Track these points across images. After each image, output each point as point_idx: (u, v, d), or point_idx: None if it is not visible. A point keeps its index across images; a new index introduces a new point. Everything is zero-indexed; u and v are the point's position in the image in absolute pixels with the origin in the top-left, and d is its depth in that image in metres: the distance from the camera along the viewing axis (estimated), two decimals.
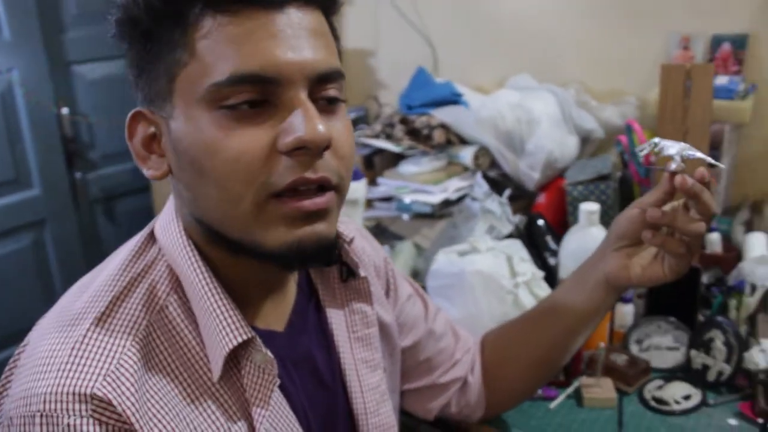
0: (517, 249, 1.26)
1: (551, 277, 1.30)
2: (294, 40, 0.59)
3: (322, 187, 0.61)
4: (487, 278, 1.18)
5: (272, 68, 0.58)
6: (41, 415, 0.57)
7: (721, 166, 0.77)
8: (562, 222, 1.52)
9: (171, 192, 0.71)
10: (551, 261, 1.36)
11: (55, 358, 0.60)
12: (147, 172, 0.66)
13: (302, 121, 0.58)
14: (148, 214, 2.24)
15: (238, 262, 0.66)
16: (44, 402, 0.57)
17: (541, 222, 1.43)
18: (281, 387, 0.70)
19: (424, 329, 0.96)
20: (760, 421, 1.04)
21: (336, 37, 0.66)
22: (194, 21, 0.58)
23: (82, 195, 2.15)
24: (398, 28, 1.98)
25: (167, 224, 0.69)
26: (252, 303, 0.70)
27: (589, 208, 1.23)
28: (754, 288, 1.22)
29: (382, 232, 1.55)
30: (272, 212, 0.60)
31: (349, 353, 0.80)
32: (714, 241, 1.40)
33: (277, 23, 0.59)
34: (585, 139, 1.58)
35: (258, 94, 0.59)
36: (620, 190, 1.44)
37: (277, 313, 0.74)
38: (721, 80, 1.40)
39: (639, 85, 1.56)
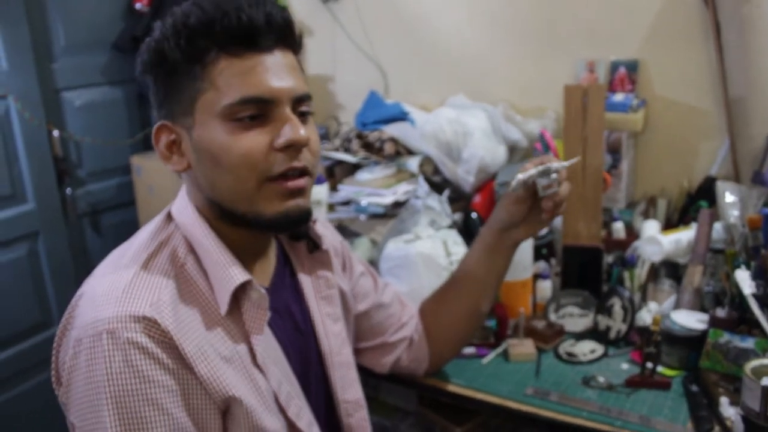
0: (452, 236, 1.53)
1: None
2: (281, 73, 0.85)
3: (303, 172, 0.87)
4: (427, 258, 1.45)
5: (268, 93, 0.84)
6: (107, 332, 0.78)
7: (573, 161, 1.12)
8: None
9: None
10: None
11: (113, 293, 0.82)
12: (172, 167, 0.91)
13: (290, 128, 0.84)
14: (133, 226, 2.35)
15: (238, 232, 0.91)
16: (109, 323, 0.79)
17: (474, 215, 1.70)
18: (271, 327, 0.93)
19: (374, 299, 1.21)
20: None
21: (302, 69, 0.93)
22: (210, 61, 0.83)
23: (72, 209, 2.28)
24: (353, 57, 2.22)
25: (183, 207, 0.93)
26: (246, 264, 0.91)
27: None
28: (644, 262, 1.51)
29: (343, 230, 1.77)
30: (269, 190, 0.85)
31: (317, 308, 1.04)
32: (618, 229, 1.68)
33: (269, 61, 0.84)
34: (512, 148, 1.85)
35: (258, 110, 0.84)
36: None
37: (264, 274, 0.98)
38: (618, 97, 1.69)
39: (555, 102, 1.82)
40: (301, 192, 0.87)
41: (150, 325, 0.80)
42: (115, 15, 2.38)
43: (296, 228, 0.99)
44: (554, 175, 1.07)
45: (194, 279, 0.88)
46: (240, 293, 0.89)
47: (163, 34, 0.85)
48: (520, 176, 1.09)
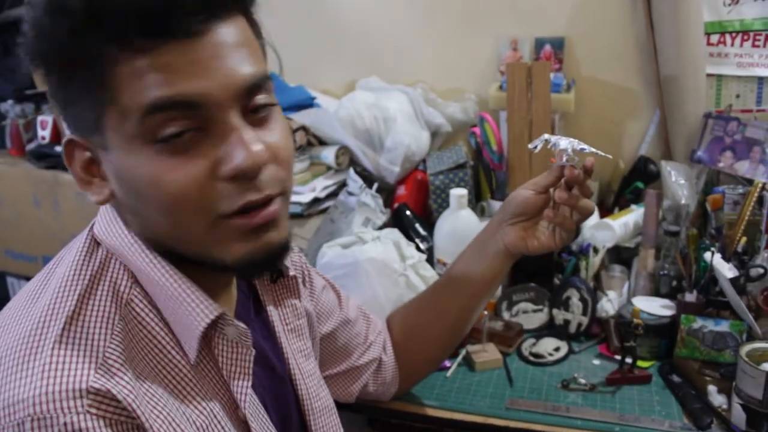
0: (398, 236, 1.36)
1: (428, 259, 1.41)
2: (214, 62, 0.58)
3: (270, 199, 0.63)
4: (379, 264, 1.26)
5: (195, 92, 0.57)
6: (32, 419, 0.54)
7: (609, 156, 0.92)
8: (423, 210, 1.64)
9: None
10: (422, 245, 1.47)
11: (35, 361, 0.57)
12: (91, 198, 0.65)
13: (238, 148, 0.59)
14: None
15: (184, 264, 0.67)
16: (34, 405, 0.54)
17: (408, 212, 1.54)
18: None
19: (339, 316, 1.01)
20: (618, 357, 1.24)
21: (258, 34, 0.67)
22: (111, 64, 0.57)
23: None
24: None
25: (108, 227, 0.68)
26: None
27: (459, 192, 1.36)
28: (596, 250, 1.44)
29: None
30: (225, 230, 0.62)
31: (287, 344, 0.83)
32: None
33: (195, 49, 0.57)
34: (434, 134, 1.71)
35: (189, 122, 0.58)
36: (475, 175, 1.60)
37: (226, 308, 0.75)
38: None
39: (476, 83, 1.71)
40: (271, 224, 0.64)
41: (97, 399, 0.56)
42: None
43: (270, 270, 0.79)
44: (586, 149, 0.91)
45: (145, 321, 0.65)
46: (210, 332, 0.66)
47: (37, 16, 0.58)
48: (547, 135, 0.93)
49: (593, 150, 0.90)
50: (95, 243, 0.68)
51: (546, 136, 0.94)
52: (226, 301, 0.76)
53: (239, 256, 0.63)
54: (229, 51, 0.60)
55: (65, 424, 0.54)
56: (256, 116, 0.63)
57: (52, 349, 0.58)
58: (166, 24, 0.56)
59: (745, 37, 1.50)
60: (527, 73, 1.39)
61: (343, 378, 1.04)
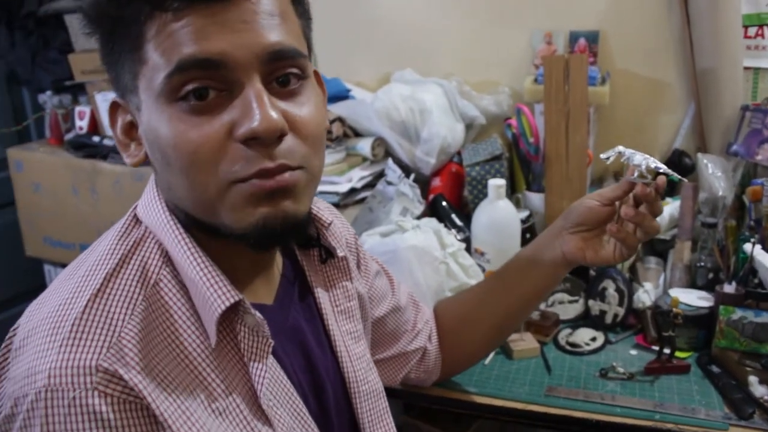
0: (438, 225, 1.37)
1: (465, 249, 1.43)
2: (241, 24, 0.60)
3: (285, 169, 0.62)
4: (420, 252, 1.28)
5: (217, 52, 0.59)
6: (47, 390, 0.57)
7: (684, 180, 0.91)
8: (458, 201, 1.66)
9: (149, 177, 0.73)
10: (458, 236, 1.48)
11: (56, 335, 0.60)
12: (126, 159, 0.68)
13: (254, 111, 0.59)
14: (12, 230, 2.05)
15: (220, 241, 0.67)
16: (49, 377, 0.57)
17: (444, 203, 1.56)
18: (275, 355, 0.72)
19: (391, 302, 1.02)
20: (655, 348, 1.25)
21: (301, 15, 0.68)
22: (145, 23, 0.60)
23: None
24: None
25: (149, 204, 0.70)
26: (240, 279, 0.71)
27: (497, 183, 1.37)
28: None
29: None
30: (236, 194, 0.62)
31: (336, 326, 0.83)
32: None
33: (225, 12, 0.59)
34: (468, 126, 1.72)
35: (212, 82, 0.60)
36: (509, 167, 1.61)
37: (266, 289, 0.76)
38: None
39: (510, 77, 1.72)
40: (286, 192, 0.63)
41: (105, 378, 0.58)
42: None
43: (283, 243, 0.75)
44: (661, 168, 0.87)
45: (171, 302, 0.66)
46: (232, 316, 0.67)
47: None
48: (621, 148, 0.92)
49: (668, 170, 0.87)
50: (135, 221, 0.71)
51: (620, 148, 0.91)
52: (268, 278, 0.76)
53: (253, 222, 0.62)
54: (259, 17, 0.61)
55: (73, 398, 0.56)
56: (284, 88, 0.63)
57: (72, 325, 0.60)
58: None
59: None
60: (565, 66, 1.40)
61: (390, 363, 1.05)
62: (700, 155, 1.47)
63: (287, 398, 0.72)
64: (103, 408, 0.57)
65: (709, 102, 1.54)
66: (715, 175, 1.42)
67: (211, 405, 0.64)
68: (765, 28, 1.51)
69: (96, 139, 1.87)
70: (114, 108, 0.68)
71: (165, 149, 0.62)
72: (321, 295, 0.84)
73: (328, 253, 0.84)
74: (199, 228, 0.68)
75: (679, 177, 0.88)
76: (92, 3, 0.63)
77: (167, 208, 0.68)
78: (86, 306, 0.61)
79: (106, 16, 0.62)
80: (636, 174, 0.88)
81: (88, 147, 1.87)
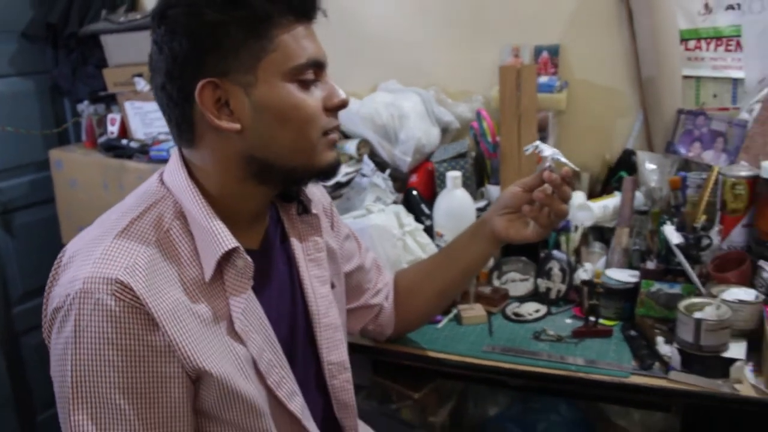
0: (399, 209, 1.59)
1: (428, 232, 1.64)
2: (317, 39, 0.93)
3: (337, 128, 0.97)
4: (381, 230, 1.50)
5: (323, 57, 0.93)
6: (81, 291, 0.80)
7: (577, 169, 1.14)
8: (431, 194, 1.87)
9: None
10: (426, 222, 1.69)
11: (91, 256, 0.84)
12: (225, 125, 0.88)
13: (339, 91, 0.94)
14: (50, 224, 2.30)
15: (253, 191, 0.94)
16: (83, 282, 0.81)
17: (414, 193, 1.77)
18: (256, 291, 0.94)
19: (357, 261, 1.25)
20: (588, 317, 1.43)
21: None
22: (276, 24, 0.87)
23: None
24: None
25: (174, 172, 0.94)
26: (238, 227, 0.93)
27: (454, 174, 1.58)
28: (576, 227, 1.63)
29: None
30: (324, 142, 0.94)
31: (306, 270, 1.06)
32: None
33: (311, 29, 0.92)
34: (444, 130, 1.93)
35: (316, 71, 0.92)
36: (475, 163, 1.82)
37: (255, 236, 1.00)
38: (543, 79, 1.81)
39: (483, 86, 1.93)
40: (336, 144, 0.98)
41: (121, 288, 0.81)
42: (23, 3, 2.25)
43: (336, 175, 1.04)
44: (563, 159, 1.10)
45: (178, 245, 0.89)
46: (225, 259, 0.90)
47: None
48: (538, 142, 1.14)
49: (568, 162, 1.11)
50: (160, 183, 0.94)
51: (537, 142, 1.15)
52: (258, 227, 1.00)
53: (329, 161, 0.95)
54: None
55: (98, 299, 0.80)
56: None
57: (102, 251, 0.84)
58: (306, 6, 0.90)
59: (719, 43, 1.68)
60: (517, 75, 1.60)
61: (353, 314, 1.27)
62: (639, 153, 1.66)
63: (260, 325, 0.94)
64: (116, 308, 0.80)
65: (653, 107, 1.72)
66: (650, 169, 1.60)
67: (200, 317, 0.87)
68: (702, 41, 1.70)
69: (124, 142, 2.15)
70: (205, 86, 0.86)
71: (288, 110, 0.89)
72: (295, 244, 1.06)
73: (304, 210, 1.07)
74: (256, 178, 0.93)
75: (574, 167, 1.11)
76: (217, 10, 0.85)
77: (189, 176, 0.92)
78: (113, 239, 0.85)
79: (245, 11, 0.85)
80: (547, 164, 1.10)
81: (117, 149, 2.14)
